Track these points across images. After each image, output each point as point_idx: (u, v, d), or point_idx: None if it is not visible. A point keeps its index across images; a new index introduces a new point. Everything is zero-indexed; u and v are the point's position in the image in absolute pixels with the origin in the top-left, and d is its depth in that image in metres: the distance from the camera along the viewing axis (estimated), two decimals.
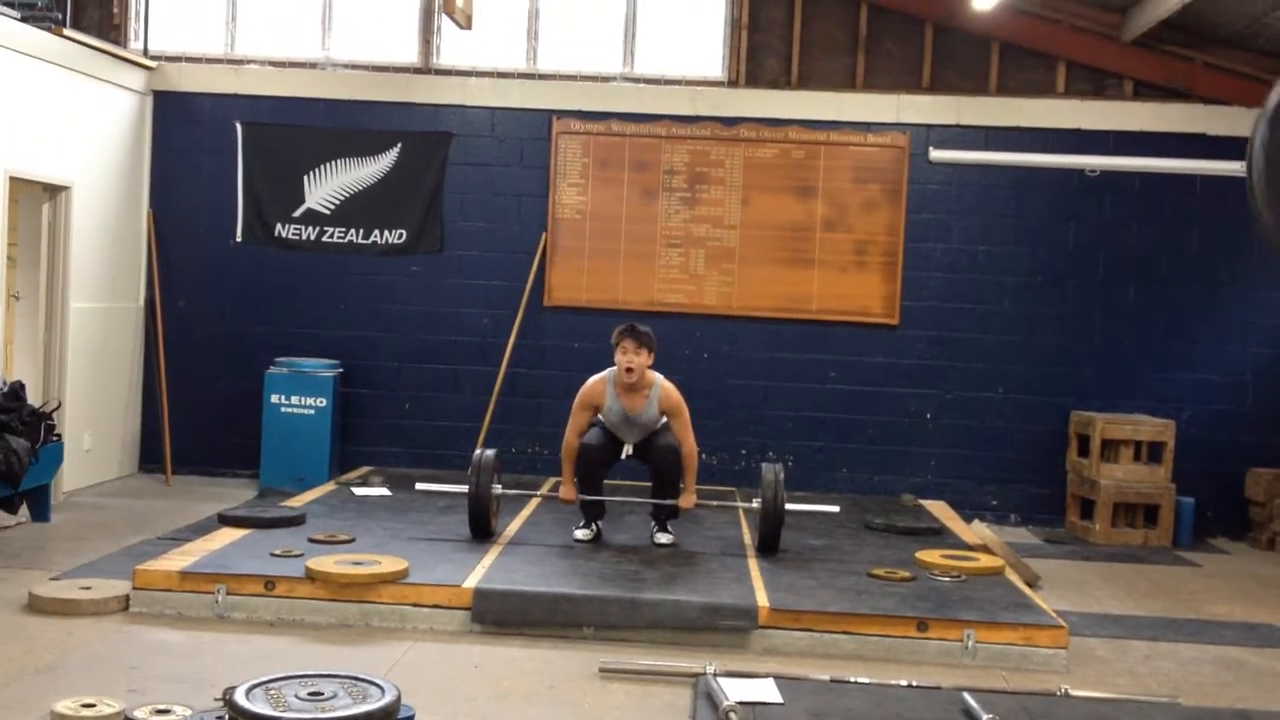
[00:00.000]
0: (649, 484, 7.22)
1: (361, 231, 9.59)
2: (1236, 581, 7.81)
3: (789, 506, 6.91)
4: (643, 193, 9.46)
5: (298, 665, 4.76)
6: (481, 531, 6.88)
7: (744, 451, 9.50)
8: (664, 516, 7.19)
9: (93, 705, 4.32)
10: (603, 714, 4.77)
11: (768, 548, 6.92)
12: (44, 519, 7.73)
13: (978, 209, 9.42)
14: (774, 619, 5.72)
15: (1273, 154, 1.98)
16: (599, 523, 7.19)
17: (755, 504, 6.97)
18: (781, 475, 6.91)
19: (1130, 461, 8.89)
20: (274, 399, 9.22)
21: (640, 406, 7.00)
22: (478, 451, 7.04)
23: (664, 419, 7.06)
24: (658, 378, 7.05)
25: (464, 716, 4.66)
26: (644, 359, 6.91)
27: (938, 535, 7.75)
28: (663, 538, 7.11)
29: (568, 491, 7.07)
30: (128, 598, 5.85)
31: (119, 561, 6.66)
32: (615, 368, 6.99)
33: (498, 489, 7.01)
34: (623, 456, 7.15)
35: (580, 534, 7.10)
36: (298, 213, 9.62)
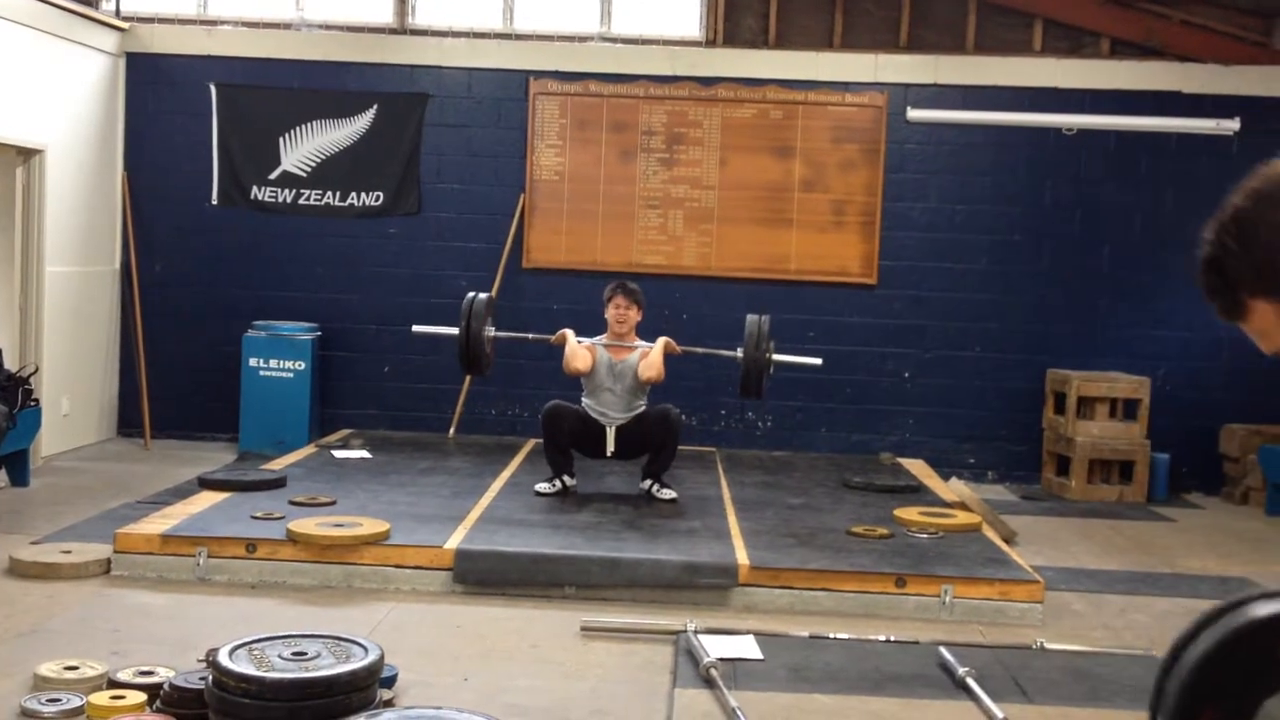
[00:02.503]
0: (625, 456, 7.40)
1: (338, 194, 9.55)
2: (1210, 536, 7.91)
3: (775, 357, 7.10)
4: (621, 153, 9.44)
5: (280, 627, 4.78)
6: (475, 368, 7.23)
7: (723, 412, 9.54)
8: (659, 472, 7.25)
9: (76, 668, 4.34)
10: (585, 671, 4.81)
11: (749, 392, 7.13)
12: (23, 484, 7.71)
13: (955, 168, 9.43)
14: (754, 577, 5.77)
15: None
16: (566, 478, 7.22)
17: (739, 352, 7.06)
18: (766, 325, 7.06)
19: (1106, 419, 8.96)
20: (252, 362, 9.20)
21: (624, 355, 7.22)
22: (470, 295, 7.25)
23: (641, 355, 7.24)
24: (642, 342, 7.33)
25: (447, 676, 4.69)
26: (635, 314, 7.25)
27: (916, 493, 7.81)
28: (666, 493, 7.18)
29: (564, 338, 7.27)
30: (109, 561, 5.85)
31: (99, 525, 6.66)
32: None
33: (490, 331, 7.26)
34: (607, 453, 7.20)
35: (542, 486, 7.17)
36: (274, 175, 9.56)
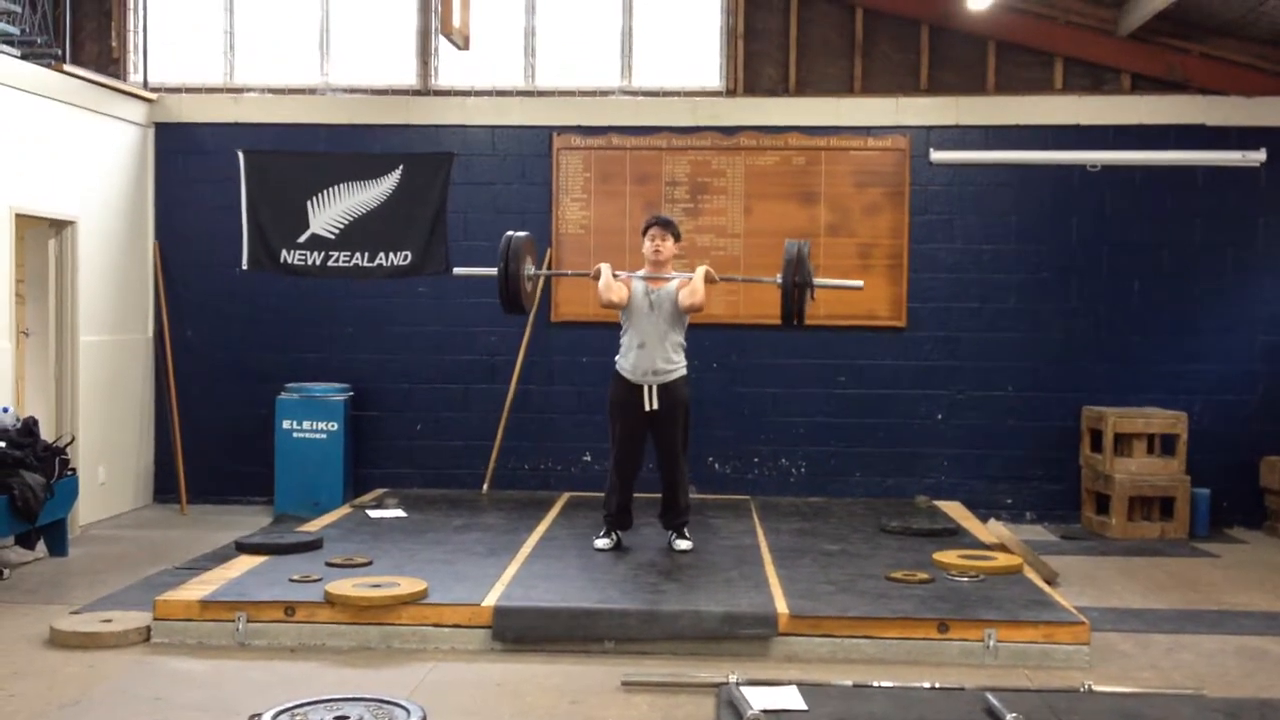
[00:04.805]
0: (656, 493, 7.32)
1: (367, 255, 9.62)
2: (1255, 571, 7.80)
3: (815, 281, 7.05)
4: (645, 205, 9.48)
5: (321, 690, 4.77)
6: (514, 307, 7.27)
7: (756, 460, 9.51)
8: (678, 522, 7.23)
9: None
10: None
11: (789, 319, 7.00)
12: (62, 553, 7.74)
13: (980, 208, 9.43)
14: (794, 626, 5.72)
15: None
16: (620, 532, 7.23)
17: (778, 279, 7.00)
18: (806, 250, 6.98)
19: (1144, 455, 8.88)
20: (285, 425, 9.24)
21: (661, 285, 7.14)
22: (507, 234, 7.29)
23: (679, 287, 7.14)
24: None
25: None
26: (670, 246, 7.19)
27: (954, 536, 7.75)
28: (681, 544, 7.15)
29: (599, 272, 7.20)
30: (149, 629, 5.86)
31: (138, 593, 6.68)
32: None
33: (530, 269, 7.33)
34: (652, 407, 7.04)
35: (600, 543, 7.16)
36: (302, 238, 9.65)
